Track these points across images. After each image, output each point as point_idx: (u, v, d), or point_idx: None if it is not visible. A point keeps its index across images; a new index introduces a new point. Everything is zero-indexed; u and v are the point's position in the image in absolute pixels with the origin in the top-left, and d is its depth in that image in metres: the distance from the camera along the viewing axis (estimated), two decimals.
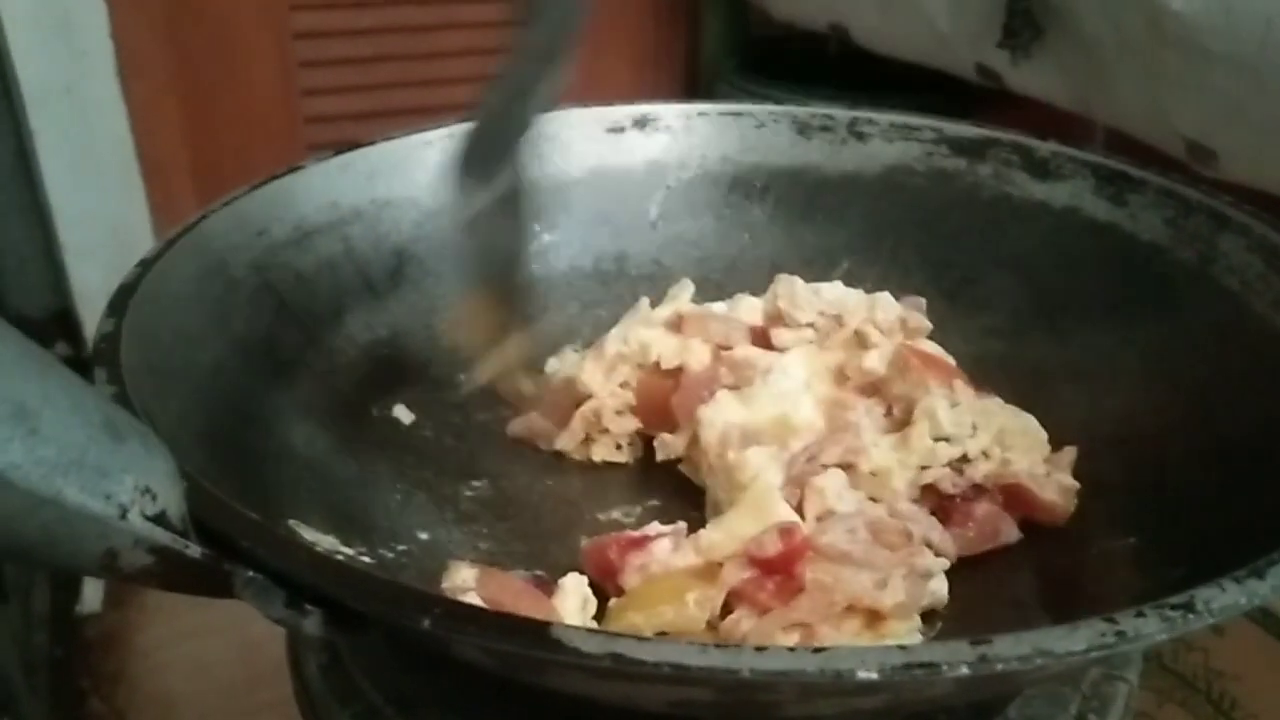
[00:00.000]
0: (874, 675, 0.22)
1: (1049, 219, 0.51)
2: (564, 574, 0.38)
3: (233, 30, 1.31)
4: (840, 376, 0.46)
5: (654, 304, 0.50)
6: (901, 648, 0.23)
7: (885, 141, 0.55)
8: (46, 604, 1.01)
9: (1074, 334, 0.48)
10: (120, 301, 0.37)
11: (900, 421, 0.44)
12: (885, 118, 0.56)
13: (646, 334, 0.47)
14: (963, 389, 0.44)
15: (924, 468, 0.42)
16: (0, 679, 0.82)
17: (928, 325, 0.48)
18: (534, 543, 0.42)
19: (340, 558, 0.36)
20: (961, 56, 0.98)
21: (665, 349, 0.47)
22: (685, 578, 0.36)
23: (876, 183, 0.55)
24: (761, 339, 0.48)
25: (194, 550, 0.26)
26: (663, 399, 0.46)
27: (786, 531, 0.36)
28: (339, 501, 0.41)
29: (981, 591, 0.39)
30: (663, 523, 0.40)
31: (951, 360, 0.47)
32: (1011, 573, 0.40)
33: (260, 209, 0.46)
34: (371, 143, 0.51)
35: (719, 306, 0.49)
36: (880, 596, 0.34)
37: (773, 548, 0.36)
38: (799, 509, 0.39)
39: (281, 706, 0.42)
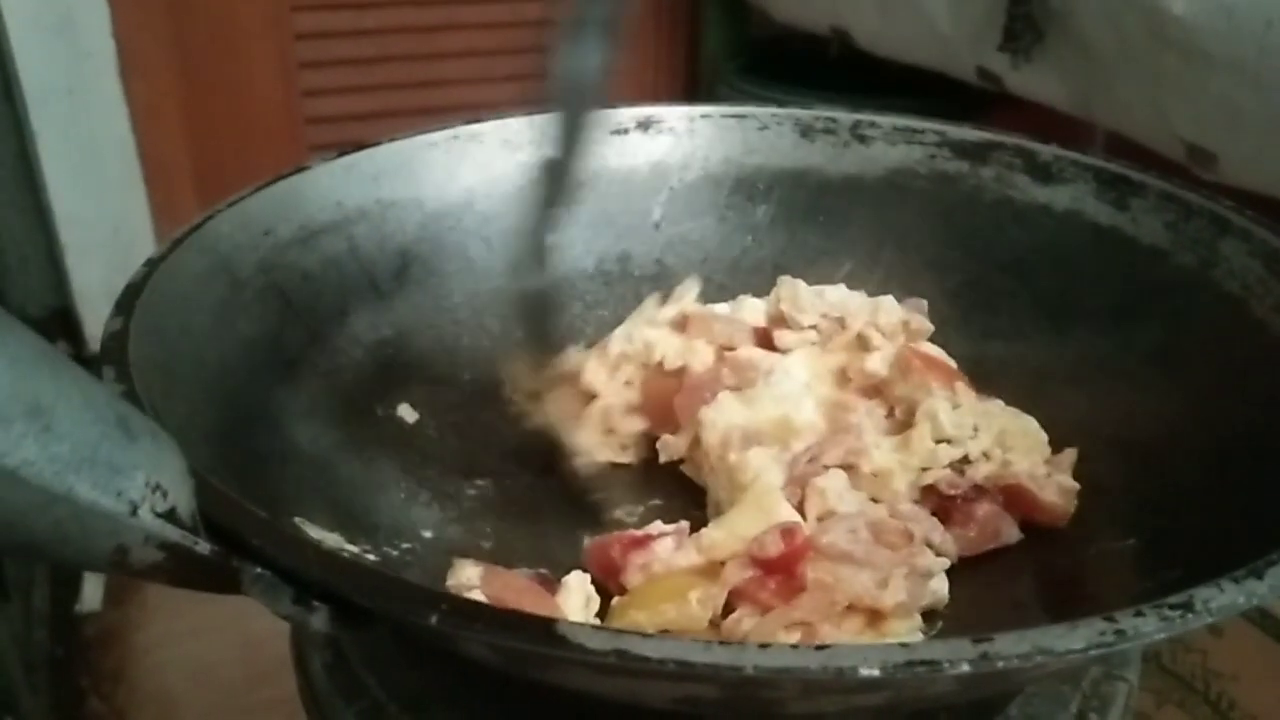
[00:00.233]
0: (876, 672, 0.22)
1: (1050, 222, 0.51)
2: (567, 572, 0.38)
3: (234, 31, 1.31)
4: (842, 378, 0.46)
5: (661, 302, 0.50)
6: (904, 645, 0.23)
7: (888, 144, 0.56)
8: (46, 602, 1.02)
9: (1075, 336, 0.48)
10: (127, 301, 0.37)
11: (902, 423, 0.44)
12: (888, 121, 0.56)
13: (651, 334, 0.48)
14: (964, 391, 0.44)
15: (925, 469, 0.42)
16: (0, 677, 0.82)
17: (929, 327, 0.49)
18: (538, 541, 0.42)
19: (346, 555, 0.36)
20: (962, 59, 0.98)
21: (669, 349, 0.47)
22: (688, 576, 0.37)
23: (879, 185, 0.55)
24: (764, 340, 0.48)
25: (203, 547, 0.27)
26: (667, 399, 0.46)
27: (788, 532, 0.36)
28: (343, 499, 0.41)
29: (982, 591, 0.39)
30: (665, 522, 0.40)
31: (953, 363, 0.47)
32: (1012, 573, 0.41)
33: (266, 209, 0.46)
34: (376, 143, 0.51)
35: (722, 308, 0.50)
36: (881, 596, 0.34)
37: (774, 548, 0.36)
38: (800, 509, 0.39)
39: (282, 705, 0.43)
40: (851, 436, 0.42)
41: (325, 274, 0.47)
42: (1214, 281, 0.44)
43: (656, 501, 0.45)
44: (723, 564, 0.37)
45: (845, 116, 0.57)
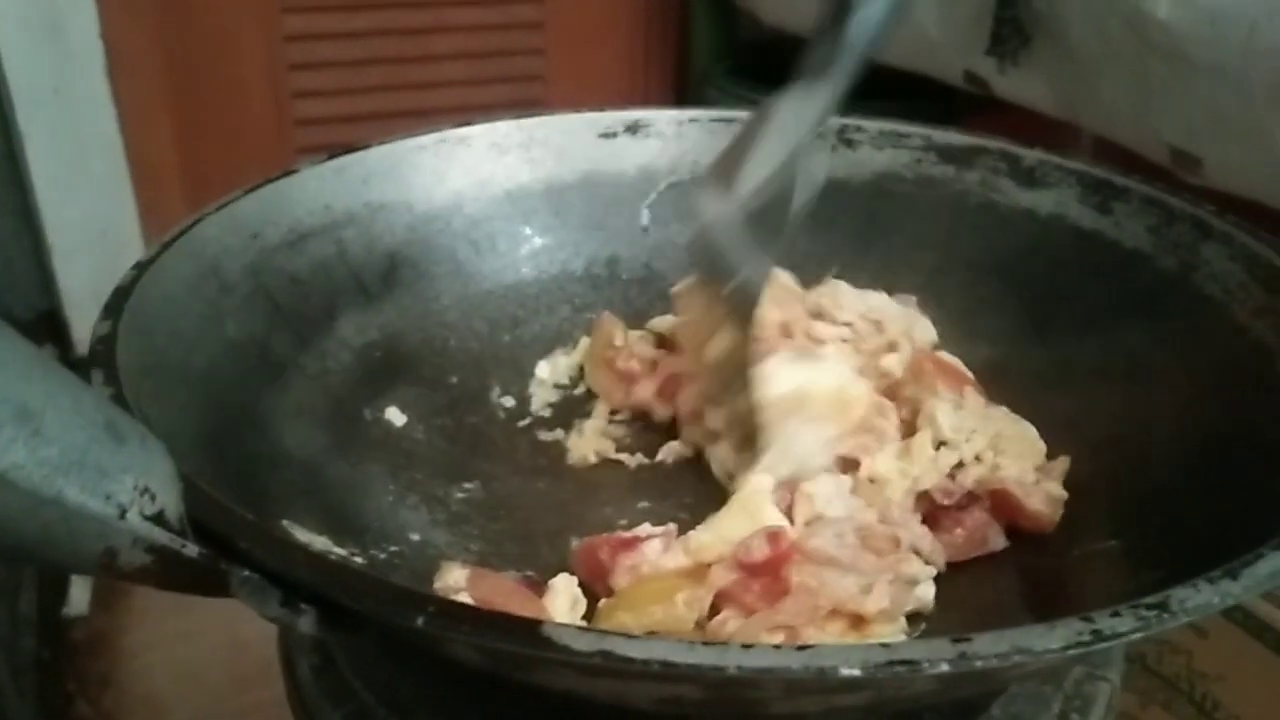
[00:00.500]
0: (857, 672, 0.23)
1: (1034, 226, 0.51)
2: (554, 575, 0.39)
3: (223, 32, 1.31)
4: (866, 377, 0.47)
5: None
6: (884, 645, 0.23)
7: (874, 149, 0.56)
8: (33, 606, 1.01)
9: (1058, 340, 0.49)
10: (116, 304, 0.37)
11: (908, 426, 0.45)
12: (874, 125, 0.56)
13: None
14: (972, 396, 0.45)
15: (920, 476, 0.42)
16: None
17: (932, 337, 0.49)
18: (525, 544, 0.42)
19: (333, 558, 0.37)
20: (950, 63, 0.99)
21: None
22: (674, 579, 0.37)
23: (866, 189, 0.56)
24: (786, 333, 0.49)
25: (191, 550, 0.27)
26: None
27: (774, 536, 0.36)
28: (332, 503, 0.41)
29: (966, 594, 0.40)
30: (653, 525, 0.41)
31: (969, 372, 0.47)
32: (996, 575, 0.41)
33: (254, 212, 0.46)
34: (365, 146, 0.51)
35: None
36: (864, 602, 0.34)
37: (760, 553, 0.36)
38: (788, 513, 0.40)
39: (269, 708, 0.43)
40: (872, 437, 0.43)
41: (313, 277, 0.48)
42: (1195, 285, 0.45)
43: (644, 504, 0.45)
44: (709, 566, 0.37)
45: (832, 121, 0.57)
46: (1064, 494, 0.42)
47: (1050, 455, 0.44)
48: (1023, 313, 0.50)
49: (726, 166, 0.42)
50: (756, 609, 0.35)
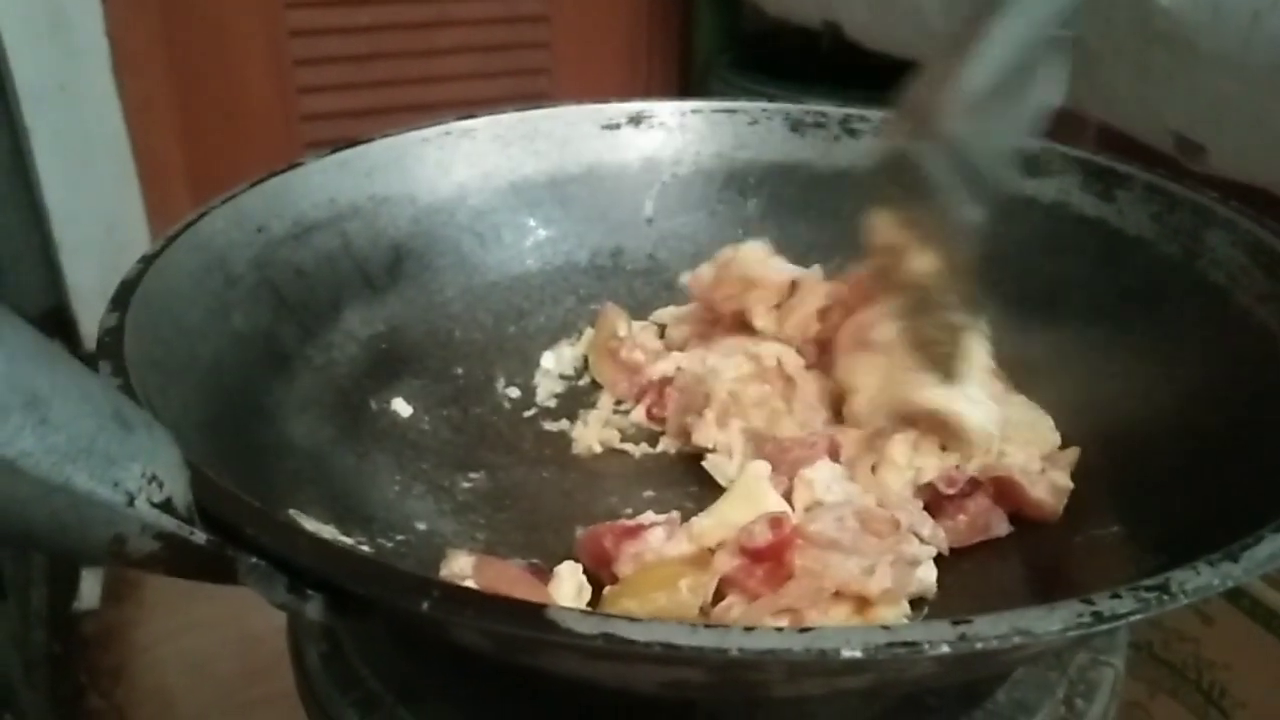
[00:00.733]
0: (858, 653, 0.23)
1: (1038, 214, 0.51)
2: (560, 563, 0.39)
3: (228, 28, 1.31)
4: None
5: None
6: (885, 627, 0.23)
7: (877, 138, 0.56)
8: (44, 601, 1.02)
9: (1062, 327, 0.49)
10: (123, 296, 0.37)
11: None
12: (877, 114, 0.56)
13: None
14: (993, 384, 0.45)
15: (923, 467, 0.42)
16: None
17: None
18: (530, 533, 0.43)
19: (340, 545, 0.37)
20: None
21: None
22: (678, 565, 0.37)
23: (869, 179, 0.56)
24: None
25: (199, 537, 0.27)
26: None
27: (776, 521, 0.37)
28: (338, 492, 0.41)
29: (969, 579, 0.40)
30: (656, 513, 0.41)
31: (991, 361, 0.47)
32: (999, 561, 0.41)
33: (260, 205, 0.46)
34: (369, 140, 0.52)
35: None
36: (867, 583, 0.34)
37: (762, 538, 0.36)
38: (788, 499, 0.40)
39: (279, 700, 0.43)
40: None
41: (319, 270, 0.48)
42: (1199, 272, 0.45)
43: (649, 493, 0.45)
44: (713, 553, 0.37)
45: (835, 111, 0.57)
46: (1069, 484, 0.42)
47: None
48: (1024, 300, 0.50)
49: (942, 67, 0.37)
50: (760, 594, 0.35)
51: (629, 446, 0.48)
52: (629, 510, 0.44)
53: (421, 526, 0.42)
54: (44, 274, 1.28)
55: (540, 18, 1.43)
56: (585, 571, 0.39)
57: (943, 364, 0.42)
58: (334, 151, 0.50)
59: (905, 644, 0.23)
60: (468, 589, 0.31)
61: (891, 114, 0.40)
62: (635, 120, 0.57)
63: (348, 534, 0.39)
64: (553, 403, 0.51)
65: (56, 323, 1.27)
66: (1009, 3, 0.36)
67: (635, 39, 1.51)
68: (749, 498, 0.39)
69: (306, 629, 0.40)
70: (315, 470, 0.42)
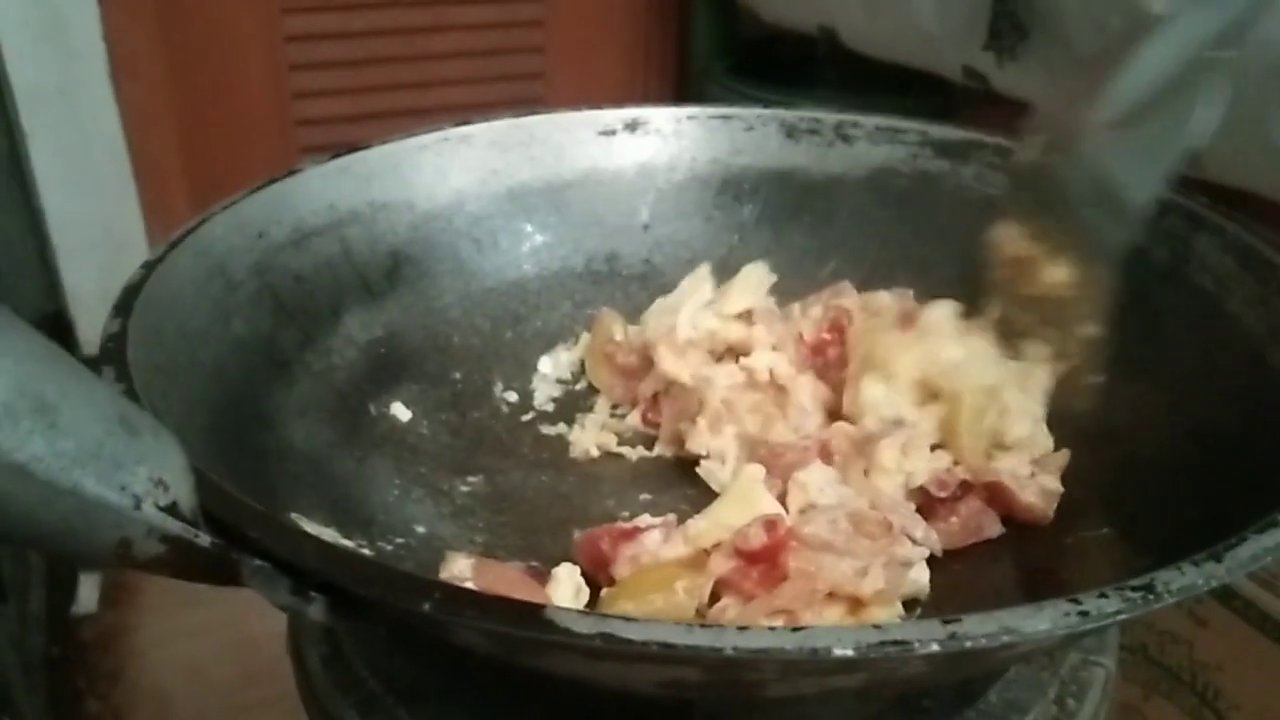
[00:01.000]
0: (850, 652, 0.23)
1: None
2: (557, 565, 0.39)
3: (225, 33, 1.32)
4: None
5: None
6: (876, 627, 0.24)
7: (871, 144, 0.57)
8: (43, 604, 1.02)
9: None
10: (125, 302, 0.38)
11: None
12: (871, 121, 0.57)
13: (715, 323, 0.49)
14: None
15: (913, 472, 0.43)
16: None
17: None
18: (528, 535, 0.43)
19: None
20: (948, 58, 0.99)
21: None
22: (675, 567, 0.38)
23: (862, 184, 0.56)
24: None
25: (204, 540, 0.28)
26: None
27: (771, 523, 0.37)
28: (338, 496, 0.42)
29: (962, 581, 0.40)
30: (653, 516, 0.41)
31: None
32: (991, 563, 0.41)
33: (259, 211, 0.47)
34: (368, 146, 0.52)
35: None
36: (861, 584, 0.35)
37: (757, 540, 0.37)
38: (781, 501, 0.40)
39: (276, 704, 0.43)
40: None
41: (318, 275, 0.48)
42: (1188, 276, 0.45)
43: (645, 496, 0.46)
44: (709, 555, 0.38)
45: (829, 117, 0.58)
46: (1059, 488, 0.42)
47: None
48: None
49: (1087, 83, 0.37)
50: (755, 595, 0.36)
51: (625, 450, 0.48)
52: (626, 513, 0.44)
53: (421, 530, 0.42)
54: (41, 277, 1.28)
55: (536, 23, 1.44)
56: (583, 574, 0.39)
57: (1071, 377, 0.41)
58: (333, 158, 0.51)
59: (896, 642, 0.24)
60: (469, 590, 0.32)
61: (1030, 125, 0.40)
62: (631, 126, 0.57)
63: (348, 537, 0.39)
64: (550, 407, 0.52)
65: (54, 326, 1.27)
66: (1161, 22, 0.35)
67: (632, 44, 1.51)
68: (744, 500, 0.39)
69: (307, 631, 0.41)
70: (315, 474, 0.42)
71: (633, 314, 0.54)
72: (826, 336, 0.49)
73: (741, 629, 0.24)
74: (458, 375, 0.51)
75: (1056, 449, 0.44)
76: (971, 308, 0.50)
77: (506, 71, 1.44)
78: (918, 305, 0.49)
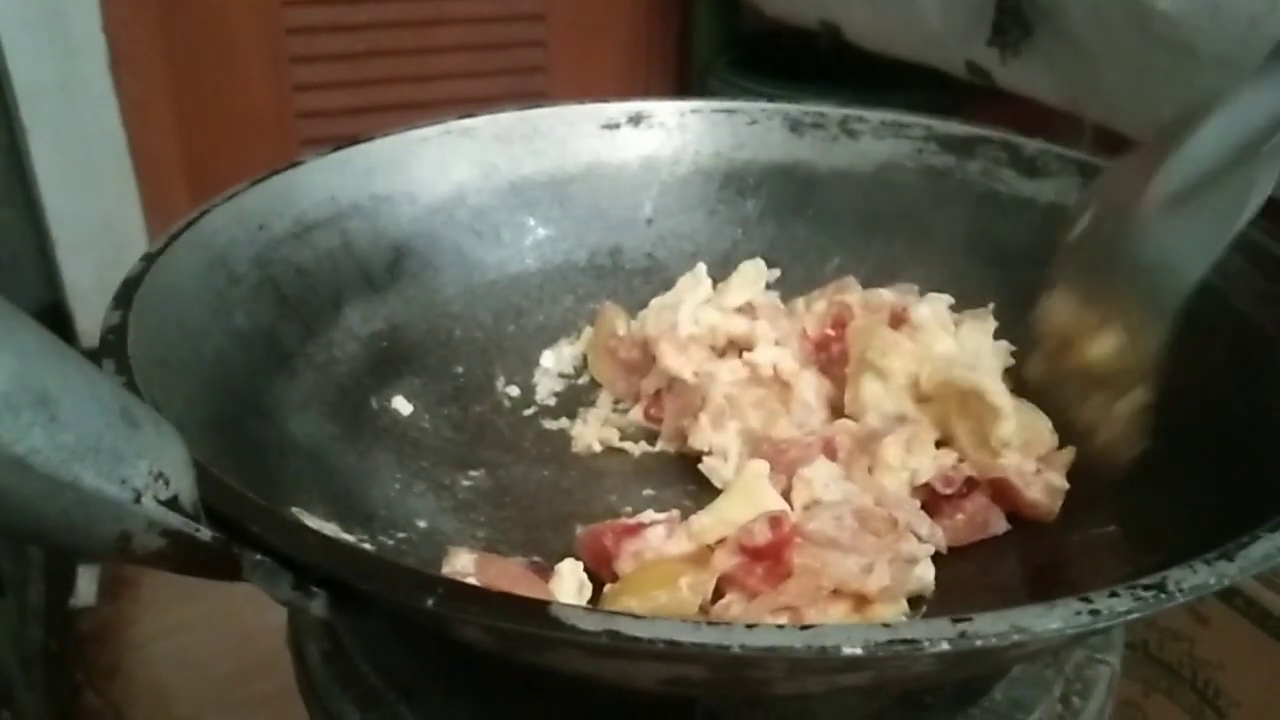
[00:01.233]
0: (859, 651, 0.23)
1: (1035, 215, 0.52)
2: (560, 561, 0.39)
3: (225, 26, 1.31)
4: None
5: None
6: (885, 625, 0.24)
7: (876, 139, 0.56)
8: (41, 598, 1.02)
9: None
10: (126, 294, 0.38)
11: None
12: (876, 115, 0.57)
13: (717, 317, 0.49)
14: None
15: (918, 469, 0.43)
16: None
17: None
18: (530, 531, 0.43)
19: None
20: (952, 54, 0.99)
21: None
22: (678, 563, 0.37)
23: (867, 179, 0.56)
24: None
25: (205, 534, 0.27)
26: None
27: (775, 520, 0.37)
28: (340, 490, 0.42)
29: (967, 578, 0.40)
30: (656, 511, 0.41)
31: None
32: (997, 560, 0.41)
33: (260, 204, 0.47)
34: (369, 138, 0.52)
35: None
36: (866, 581, 0.35)
37: (762, 536, 0.36)
38: (786, 498, 0.40)
39: (275, 698, 0.43)
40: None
41: (319, 268, 0.48)
42: None
43: (649, 492, 0.45)
44: (712, 551, 0.38)
45: (834, 111, 0.57)
46: (1065, 484, 0.42)
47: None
48: (1022, 300, 0.50)
49: (1148, 156, 0.37)
50: (760, 591, 0.35)
51: (628, 445, 0.48)
52: (629, 508, 0.44)
53: (423, 524, 0.42)
54: (41, 271, 1.28)
55: (537, 16, 1.43)
56: (586, 569, 0.39)
57: (1113, 445, 0.41)
58: (335, 150, 0.51)
59: (906, 641, 0.23)
60: (472, 586, 0.32)
61: (1086, 194, 0.40)
62: (635, 120, 0.57)
63: (349, 532, 0.39)
64: (552, 401, 0.51)
65: (53, 319, 1.27)
66: (1221, 102, 0.36)
67: (634, 38, 1.51)
68: (748, 496, 0.39)
69: (307, 626, 0.40)
70: (316, 468, 0.42)
71: (635, 308, 0.54)
72: (830, 332, 0.49)
73: (749, 627, 0.23)
74: (460, 369, 0.51)
75: (1061, 446, 0.44)
76: (973, 302, 0.50)
77: (508, 65, 1.44)
78: (913, 302, 0.49)
